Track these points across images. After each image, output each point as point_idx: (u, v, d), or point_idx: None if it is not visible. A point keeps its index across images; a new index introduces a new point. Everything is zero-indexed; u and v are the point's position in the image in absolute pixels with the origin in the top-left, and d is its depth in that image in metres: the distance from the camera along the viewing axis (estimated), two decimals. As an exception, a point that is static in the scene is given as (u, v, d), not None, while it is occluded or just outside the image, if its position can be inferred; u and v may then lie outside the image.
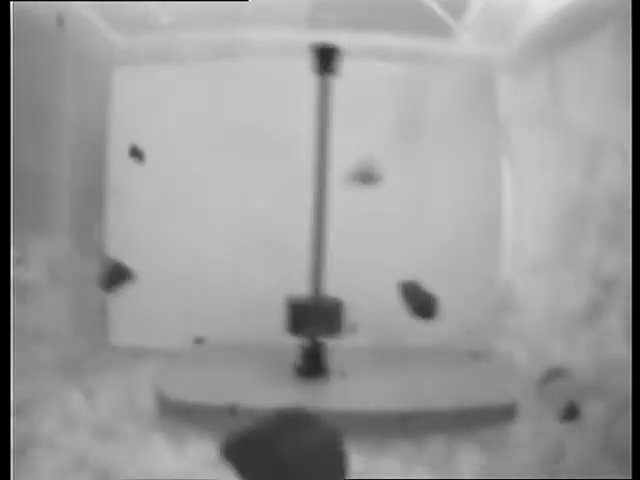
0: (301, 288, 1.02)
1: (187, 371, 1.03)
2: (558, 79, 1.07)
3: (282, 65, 1.15)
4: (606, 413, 0.84)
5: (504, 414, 0.90)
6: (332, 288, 1.03)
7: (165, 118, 1.17)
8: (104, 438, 0.84)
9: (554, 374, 0.96)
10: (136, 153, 1.09)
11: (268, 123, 1.16)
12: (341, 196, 1.07)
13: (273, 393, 0.92)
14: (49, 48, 1.02)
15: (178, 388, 0.93)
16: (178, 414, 0.88)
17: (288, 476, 0.63)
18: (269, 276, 1.17)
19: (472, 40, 1.16)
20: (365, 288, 1.15)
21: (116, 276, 1.03)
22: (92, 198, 1.19)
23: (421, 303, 1.01)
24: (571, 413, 0.86)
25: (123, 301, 1.16)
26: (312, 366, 1.00)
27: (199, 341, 1.18)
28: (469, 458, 0.82)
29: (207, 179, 1.19)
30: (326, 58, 0.98)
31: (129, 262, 1.16)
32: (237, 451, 0.66)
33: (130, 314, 1.18)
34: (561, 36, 1.02)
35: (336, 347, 1.02)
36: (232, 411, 0.87)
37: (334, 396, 0.94)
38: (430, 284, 1.20)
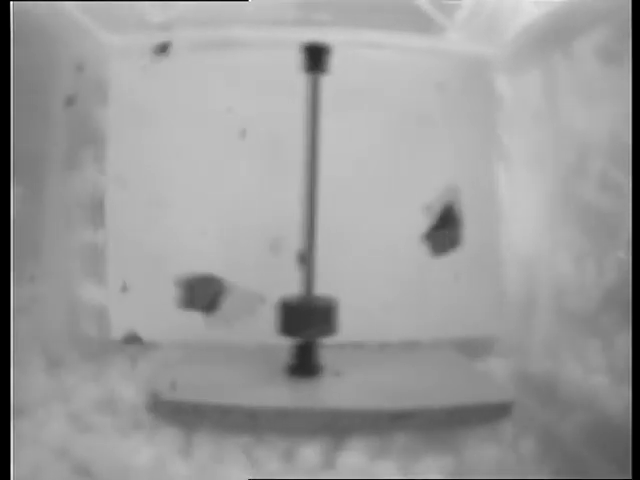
0: (294, 287, 1.01)
1: (180, 370, 1.02)
2: (551, 78, 1.08)
3: (273, 62, 1.14)
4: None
5: (499, 411, 0.90)
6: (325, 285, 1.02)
7: (158, 116, 1.17)
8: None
9: None
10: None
11: (260, 119, 1.16)
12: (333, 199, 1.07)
13: (266, 392, 0.92)
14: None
15: (170, 387, 0.93)
16: (170, 413, 0.88)
17: None
18: (262, 274, 1.17)
19: (466, 39, 1.16)
20: (357, 285, 1.16)
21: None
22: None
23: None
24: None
25: (120, 297, 1.17)
26: (305, 364, 1.00)
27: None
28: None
29: (200, 174, 1.19)
30: (316, 56, 0.98)
31: (127, 260, 1.18)
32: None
33: (127, 309, 1.18)
34: (554, 35, 1.02)
35: (328, 345, 1.02)
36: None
37: (327, 394, 0.94)
38: (429, 284, 1.23)
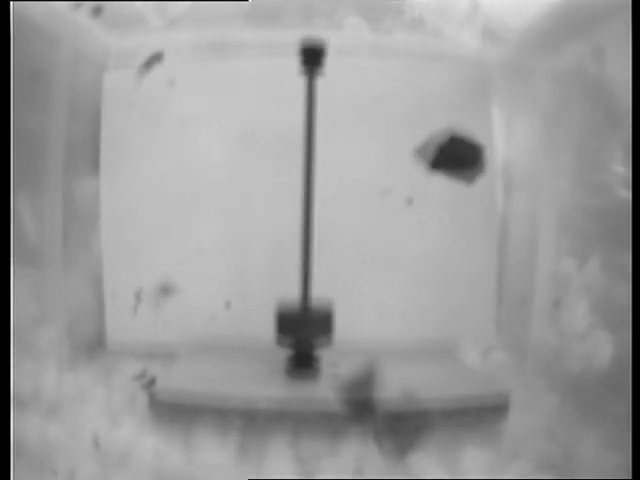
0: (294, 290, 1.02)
1: (179, 371, 1.03)
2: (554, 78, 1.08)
3: (272, 65, 1.15)
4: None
5: (496, 412, 0.90)
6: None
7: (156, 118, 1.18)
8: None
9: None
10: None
11: (260, 123, 1.17)
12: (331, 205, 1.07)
13: (265, 390, 0.92)
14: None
15: (170, 388, 0.93)
16: (169, 413, 0.89)
17: None
18: (262, 275, 1.18)
19: (468, 40, 1.16)
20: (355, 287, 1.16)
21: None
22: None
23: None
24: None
25: (120, 299, 1.18)
26: (303, 364, 1.00)
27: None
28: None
29: (203, 178, 1.20)
30: (313, 59, 0.99)
31: (127, 261, 1.18)
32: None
33: (127, 312, 1.18)
34: (556, 36, 1.02)
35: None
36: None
37: (325, 395, 0.93)
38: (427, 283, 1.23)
